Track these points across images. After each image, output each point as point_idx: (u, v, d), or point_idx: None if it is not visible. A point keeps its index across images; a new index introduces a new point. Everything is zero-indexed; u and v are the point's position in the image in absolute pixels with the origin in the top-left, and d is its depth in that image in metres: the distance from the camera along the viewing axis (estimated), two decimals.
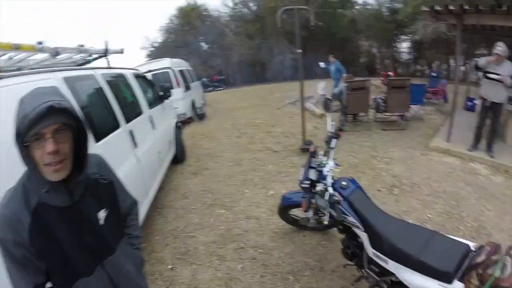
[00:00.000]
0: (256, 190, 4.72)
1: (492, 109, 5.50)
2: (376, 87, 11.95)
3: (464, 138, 6.21)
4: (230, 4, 27.37)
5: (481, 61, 5.38)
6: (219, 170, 5.52)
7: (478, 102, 6.75)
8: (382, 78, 13.13)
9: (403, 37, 23.37)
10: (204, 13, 28.03)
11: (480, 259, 1.69)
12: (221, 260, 3.28)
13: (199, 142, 7.19)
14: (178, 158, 5.83)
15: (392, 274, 2.10)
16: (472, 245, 1.90)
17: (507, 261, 1.64)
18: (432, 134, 7.09)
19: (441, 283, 1.78)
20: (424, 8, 5.92)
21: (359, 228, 2.26)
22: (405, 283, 2.00)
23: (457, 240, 1.99)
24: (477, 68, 5.51)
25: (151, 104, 4.76)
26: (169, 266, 3.25)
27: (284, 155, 6.00)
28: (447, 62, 21.89)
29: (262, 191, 4.66)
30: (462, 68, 18.05)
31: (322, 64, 11.42)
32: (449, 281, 1.75)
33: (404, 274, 1.98)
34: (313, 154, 2.49)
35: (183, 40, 25.63)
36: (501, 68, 5.16)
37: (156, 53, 25.50)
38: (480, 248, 1.81)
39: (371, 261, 2.32)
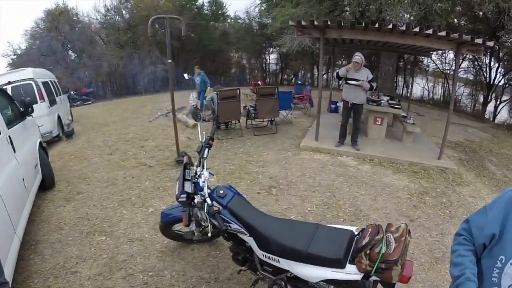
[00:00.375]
0: (135, 209, 4.36)
1: (353, 110, 6.26)
2: (246, 96, 12.47)
3: (331, 136, 6.94)
4: (102, 10, 25.21)
5: (341, 71, 6.11)
6: (93, 192, 4.94)
7: (340, 104, 7.64)
8: (251, 87, 13.66)
9: (271, 49, 25.03)
10: (74, 18, 25.06)
11: (365, 241, 1.79)
12: None
13: (68, 163, 6.31)
14: (46, 184, 5.01)
15: (287, 270, 2.11)
16: (355, 229, 2.04)
17: (390, 237, 1.78)
18: (301, 135, 7.68)
19: (334, 269, 1.85)
20: (291, 23, 6.31)
21: (245, 234, 2.23)
22: (300, 276, 2.02)
23: (340, 228, 2.10)
24: (338, 77, 6.22)
25: (10, 122, 3.99)
26: None
27: (160, 169, 5.71)
28: (311, 71, 24.46)
29: (142, 210, 4.33)
30: (325, 76, 20.46)
31: (186, 76, 11.34)
32: (341, 266, 1.83)
33: (298, 268, 2.00)
34: (187, 166, 2.42)
35: (49, 47, 22.38)
36: (359, 74, 5.93)
37: (19, 61, 21.71)
38: (363, 231, 1.93)
39: (263, 263, 2.31)
